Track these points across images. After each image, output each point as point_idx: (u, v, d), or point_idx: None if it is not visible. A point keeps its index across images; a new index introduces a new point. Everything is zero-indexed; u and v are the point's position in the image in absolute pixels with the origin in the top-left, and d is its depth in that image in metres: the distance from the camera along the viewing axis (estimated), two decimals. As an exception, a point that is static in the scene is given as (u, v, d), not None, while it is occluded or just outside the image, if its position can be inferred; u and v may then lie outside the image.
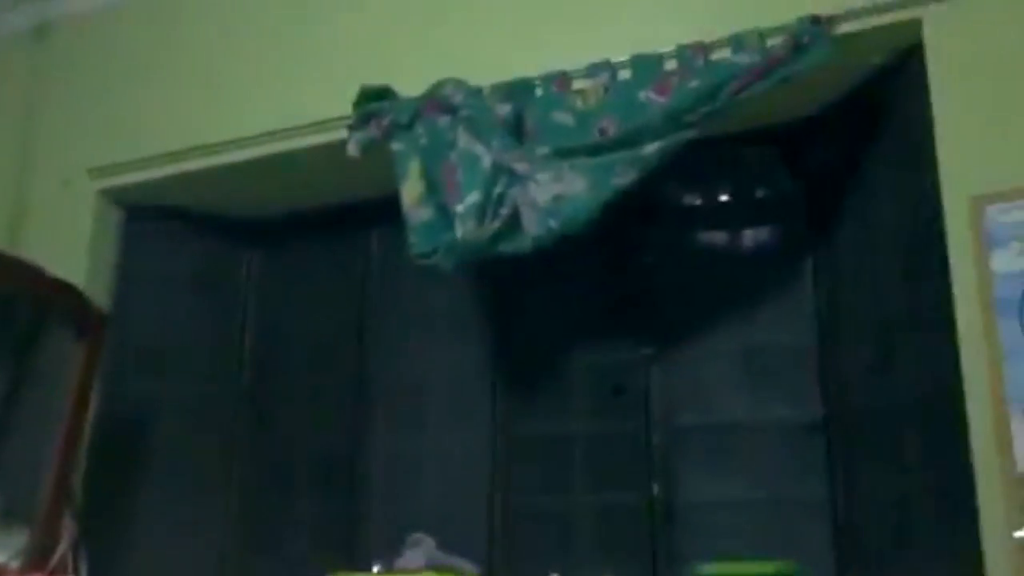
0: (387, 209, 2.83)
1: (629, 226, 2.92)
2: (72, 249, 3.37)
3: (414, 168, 2.79)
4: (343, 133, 2.92)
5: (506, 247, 2.64)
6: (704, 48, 2.60)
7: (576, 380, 2.97)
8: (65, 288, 3.10)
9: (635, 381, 2.89)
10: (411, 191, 2.76)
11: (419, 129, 2.82)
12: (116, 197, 3.44)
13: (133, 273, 3.45)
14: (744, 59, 2.53)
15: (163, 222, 3.52)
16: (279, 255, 3.55)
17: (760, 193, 2.99)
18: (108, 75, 3.53)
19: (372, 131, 2.90)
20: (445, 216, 2.70)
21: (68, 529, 2.94)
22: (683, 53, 2.61)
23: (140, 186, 3.36)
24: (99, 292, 3.31)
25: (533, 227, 2.61)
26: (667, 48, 2.62)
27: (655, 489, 2.79)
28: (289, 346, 3.46)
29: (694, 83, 2.54)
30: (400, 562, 2.78)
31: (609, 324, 2.97)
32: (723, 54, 2.57)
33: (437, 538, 2.78)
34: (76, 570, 2.86)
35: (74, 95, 3.57)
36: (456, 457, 3.03)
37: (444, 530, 2.83)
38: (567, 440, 2.92)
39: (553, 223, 2.58)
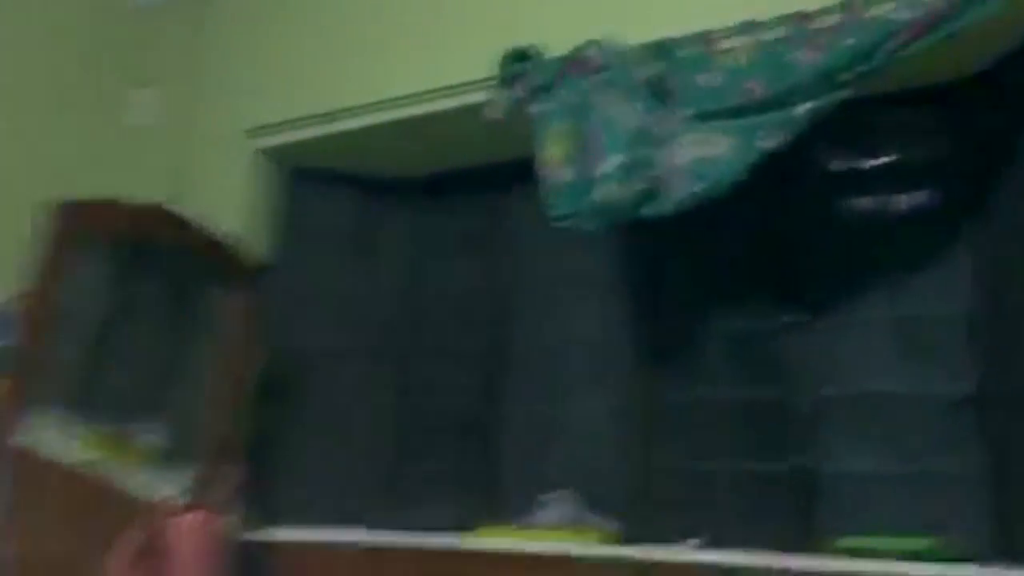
0: (531, 171, 2.84)
1: (775, 190, 2.84)
2: (232, 206, 3.53)
3: (556, 130, 2.78)
4: (487, 95, 2.94)
5: (648, 210, 2.61)
6: (860, 4, 2.48)
7: (719, 346, 2.92)
8: (226, 244, 3.27)
9: (780, 349, 2.82)
10: (552, 153, 2.76)
11: (562, 91, 2.82)
12: (273, 156, 3.58)
13: (289, 230, 3.59)
14: (904, 15, 2.40)
15: (317, 181, 3.64)
16: (425, 215, 3.62)
17: (916, 155, 2.84)
18: (266, 36, 3.67)
19: (516, 92, 2.91)
20: (586, 179, 2.69)
21: (230, 470, 3.12)
22: (837, 10, 2.50)
23: (295, 146, 3.48)
24: (257, 248, 3.47)
25: (676, 190, 2.58)
26: (817, 6, 2.52)
27: (799, 459, 2.73)
28: (433, 304, 3.53)
29: (850, 41, 2.43)
30: (538, 518, 2.84)
31: (754, 290, 2.91)
32: (881, 10, 2.45)
33: (575, 498, 2.82)
34: (236, 509, 3.04)
35: (234, 56, 3.73)
36: (596, 420, 3.04)
37: (582, 490, 2.87)
38: (709, 406, 2.89)
39: (696, 186, 2.54)
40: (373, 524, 3.08)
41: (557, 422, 3.11)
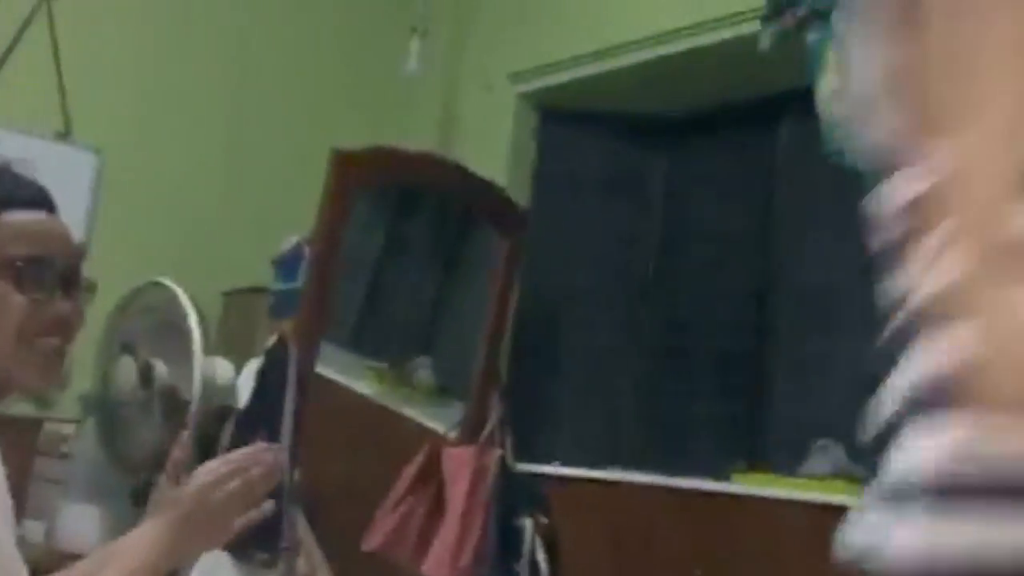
0: (798, 103, 2.71)
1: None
2: (494, 151, 3.62)
3: (832, 60, 2.63)
4: (754, 26, 2.83)
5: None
6: None
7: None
8: (490, 188, 3.36)
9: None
10: (828, 84, 2.62)
11: (838, 18, 2.65)
12: (533, 100, 3.63)
13: (549, 172, 3.64)
14: None
15: (576, 124, 3.66)
16: (685, 153, 3.55)
17: None
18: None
19: (786, 22, 2.77)
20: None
21: (496, 406, 3.24)
22: None
23: (554, 89, 3.51)
24: (519, 191, 3.54)
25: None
26: None
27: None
28: (694, 243, 3.48)
29: None
30: (805, 468, 2.75)
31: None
32: None
33: (845, 446, 2.71)
34: (503, 444, 3.15)
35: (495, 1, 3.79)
36: (867, 362, 2.90)
37: (853, 438, 2.75)
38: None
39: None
40: (632, 463, 3.11)
41: (827, 366, 2.98)
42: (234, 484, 1.23)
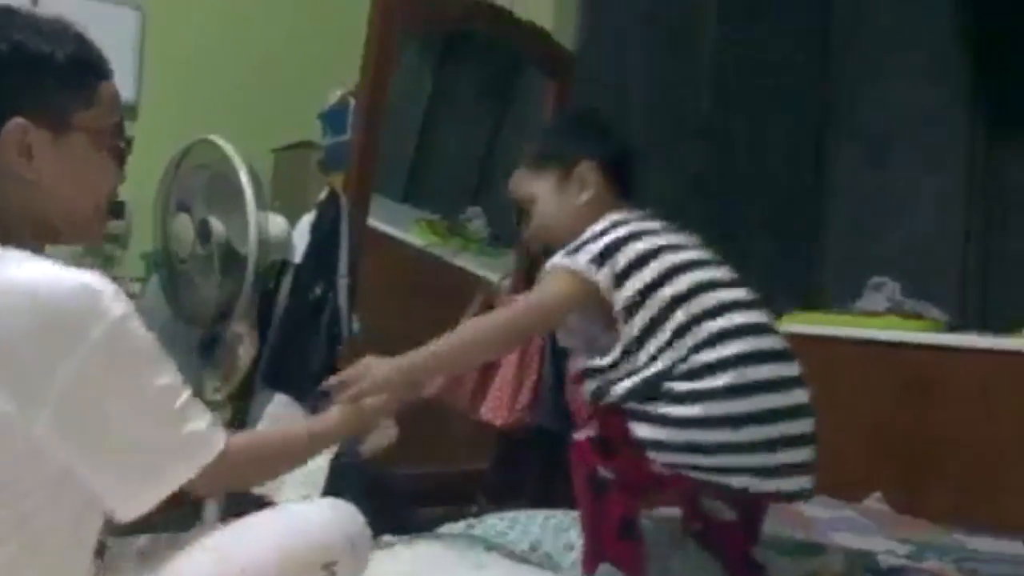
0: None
1: None
2: (542, -6, 3.51)
3: None
4: None
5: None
6: None
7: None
8: (537, 32, 3.27)
9: None
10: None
11: None
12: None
13: (595, 17, 3.53)
14: None
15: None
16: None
17: None
18: None
19: None
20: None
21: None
22: None
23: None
24: (565, 35, 3.44)
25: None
26: None
27: None
28: (749, 81, 3.38)
29: None
30: (860, 304, 2.75)
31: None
32: None
33: (901, 282, 2.69)
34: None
35: None
36: (927, 199, 2.84)
37: (909, 275, 2.73)
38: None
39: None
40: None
41: (884, 203, 2.93)
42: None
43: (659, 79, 3.51)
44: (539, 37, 3.28)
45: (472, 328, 1.81)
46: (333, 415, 1.45)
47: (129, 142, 1.25)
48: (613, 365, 1.69)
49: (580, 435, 1.73)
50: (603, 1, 3.53)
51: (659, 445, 1.59)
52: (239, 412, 2.67)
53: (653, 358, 1.64)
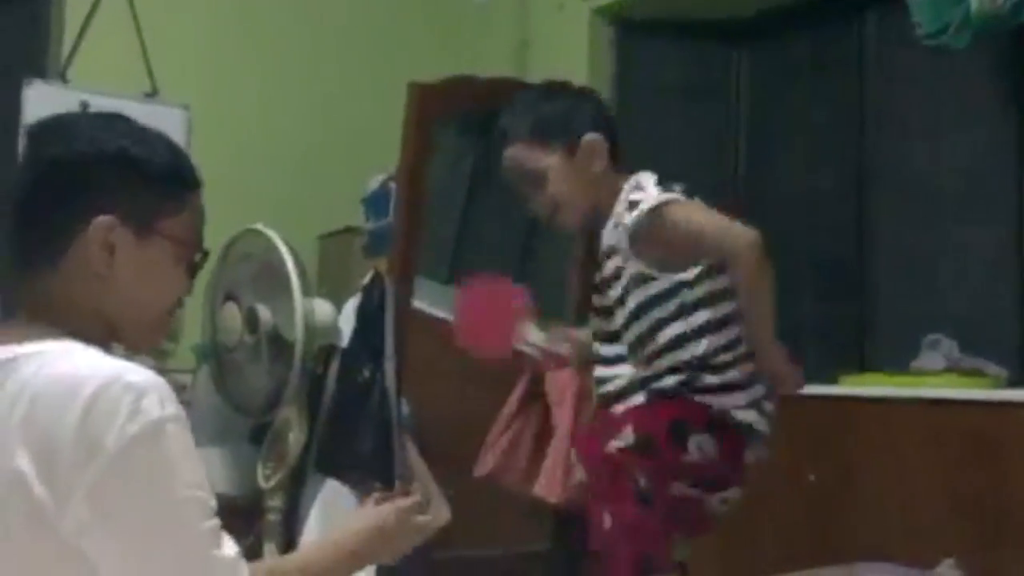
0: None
1: None
2: (572, 69, 3.56)
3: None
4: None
5: (1034, 15, 2.30)
6: None
7: None
8: (571, 108, 3.31)
9: None
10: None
11: None
12: (607, 14, 3.54)
13: (628, 85, 3.57)
14: None
15: (652, 33, 3.57)
16: (767, 52, 3.44)
17: None
18: None
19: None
20: (957, -12, 2.41)
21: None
22: None
23: (627, 1, 3.42)
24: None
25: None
26: None
27: None
28: (783, 145, 3.38)
29: None
30: (917, 363, 2.69)
31: None
32: None
33: (959, 340, 2.63)
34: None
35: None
36: (976, 253, 2.80)
37: (965, 332, 2.67)
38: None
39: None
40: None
41: (932, 260, 2.89)
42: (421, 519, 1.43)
43: (695, 142, 3.53)
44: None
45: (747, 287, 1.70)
46: (364, 533, 1.37)
47: (206, 254, 1.26)
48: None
49: (610, 447, 1.71)
50: (636, 66, 3.57)
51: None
52: (291, 499, 2.66)
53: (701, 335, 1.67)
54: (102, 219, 1.12)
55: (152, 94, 3.34)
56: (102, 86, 3.17)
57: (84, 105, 3.02)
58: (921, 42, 2.49)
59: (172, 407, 1.04)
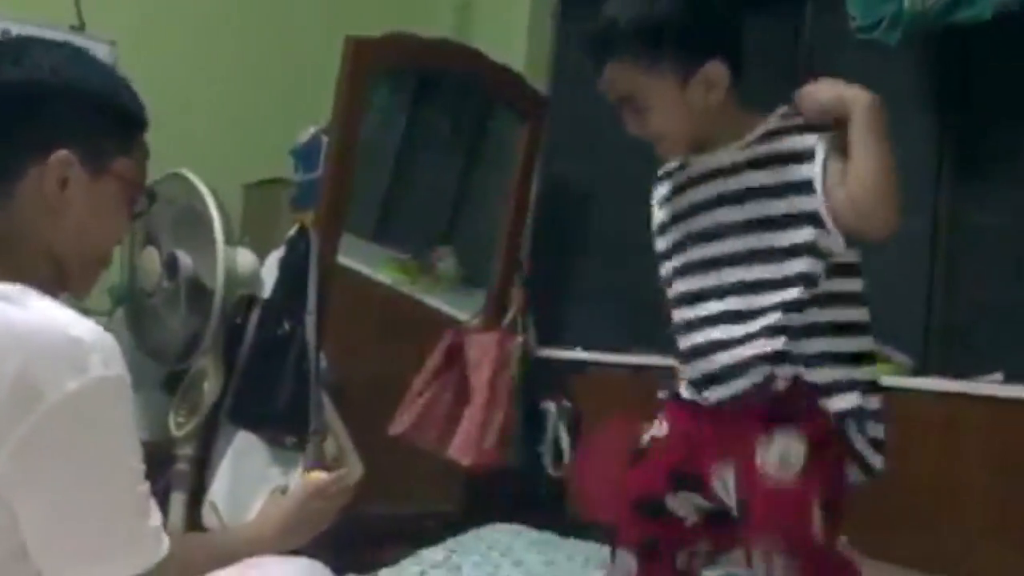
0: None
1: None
2: (512, 37, 3.55)
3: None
4: None
5: (962, 16, 2.36)
6: None
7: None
8: (509, 74, 3.31)
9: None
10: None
11: None
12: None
13: (568, 59, 3.58)
14: None
15: (596, 6, 3.57)
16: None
17: None
18: None
19: None
20: (893, -16, 2.46)
21: (517, 294, 3.27)
22: None
23: (573, -30, 3.42)
24: (538, 79, 3.48)
25: (997, -9, 2.31)
26: None
27: None
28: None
29: None
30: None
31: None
32: None
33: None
34: (525, 330, 3.19)
35: None
36: (893, 245, 2.87)
37: (875, 321, 2.75)
38: (1021, 230, 2.65)
39: (1023, -15, 2.26)
40: (650, 348, 3.13)
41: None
42: (325, 503, 1.41)
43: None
44: (511, 79, 3.32)
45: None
46: (273, 520, 1.36)
47: (152, 197, 1.25)
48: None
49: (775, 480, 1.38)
50: (574, 44, 3.57)
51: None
52: (202, 448, 2.64)
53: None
54: (61, 153, 1.09)
55: (78, 28, 3.24)
56: (30, 18, 3.06)
57: (6, 33, 2.92)
58: (855, 35, 2.54)
59: (117, 368, 1.01)
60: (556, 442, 2.96)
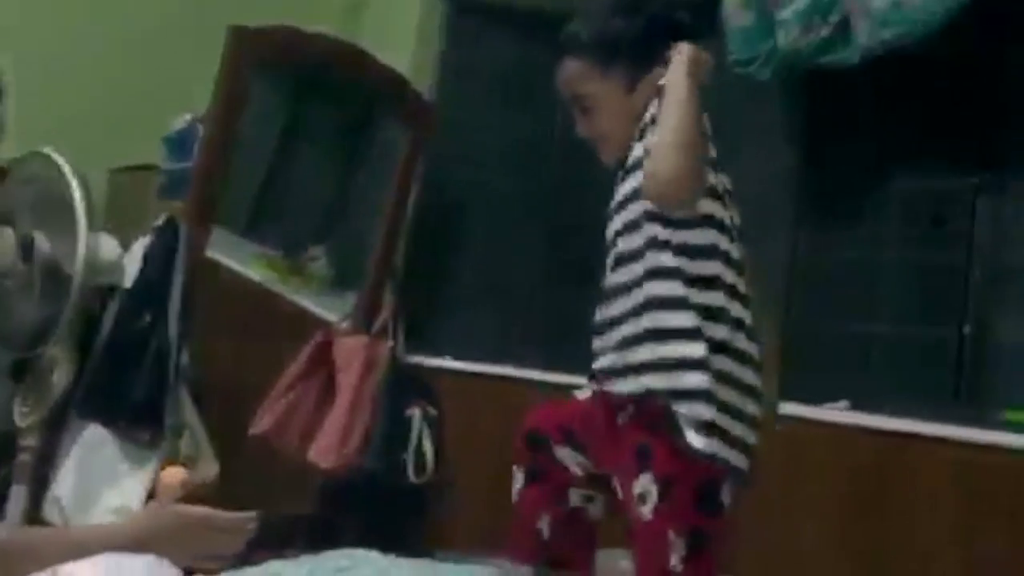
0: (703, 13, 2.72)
1: (977, 42, 2.61)
2: (400, 41, 3.54)
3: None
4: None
5: (831, 58, 2.49)
6: None
7: (891, 207, 2.79)
8: (395, 78, 3.30)
9: (957, 212, 2.67)
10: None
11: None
12: (443, -11, 3.54)
13: (456, 67, 3.59)
14: None
15: (485, 18, 3.59)
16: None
17: None
18: None
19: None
20: (767, 22, 2.57)
21: (390, 299, 3.25)
22: None
23: (464, -20, 3.44)
24: (424, 84, 3.48)
25: (863, 37, 2.43)
26: None
27: (967, 327, 2.62)
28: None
29: None
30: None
31: (933, 149, 2.73)
32: None
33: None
34: (395, 335, 3.17)
35: None
36: (751, 270, 2.98)
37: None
38: (874, 268, 2.79)
39: (887, 33, 2.39)
40: (519, 360, 3.17)
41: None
42: (215, 536, 1.32)
43: (513, 136, 3.58)
44: (396, 83, 3.31)
45: None
46: (126, 529, 1.28)
47: (2, 172, 1.18)
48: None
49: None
50: (464, 51, 3.59)
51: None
52: (48, 441, 2.53)
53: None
54: None
55: (-60, -8, 3.07)
56: None
57: None
58: (731, 69, 2.64)
59: None
60: (420, 450, 2.95)
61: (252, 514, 1.35)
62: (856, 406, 2.55)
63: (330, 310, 3.27)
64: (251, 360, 2.98)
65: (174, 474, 1.42)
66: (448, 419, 3.04)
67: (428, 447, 2.98)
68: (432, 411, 3.04)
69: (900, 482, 2.38)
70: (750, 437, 1.54)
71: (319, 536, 2.72)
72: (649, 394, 1.51)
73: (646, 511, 1.49)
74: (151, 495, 2.36)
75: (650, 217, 1.55)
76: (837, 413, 2.53)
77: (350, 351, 2.99)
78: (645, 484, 1.49)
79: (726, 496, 1.52)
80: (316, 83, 3.67)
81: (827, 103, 2.87)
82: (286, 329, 3.12)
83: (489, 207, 3.56)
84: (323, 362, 2.99)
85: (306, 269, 3.44)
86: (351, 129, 3.80)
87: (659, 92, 1.55)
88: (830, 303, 2.86)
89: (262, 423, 2.88)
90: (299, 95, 3.79)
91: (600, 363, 1.61)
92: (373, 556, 1.91)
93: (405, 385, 3.04)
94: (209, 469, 2.49)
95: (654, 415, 1.50)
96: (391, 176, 3.33)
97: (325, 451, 2.89)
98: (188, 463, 2.40)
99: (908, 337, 2.71)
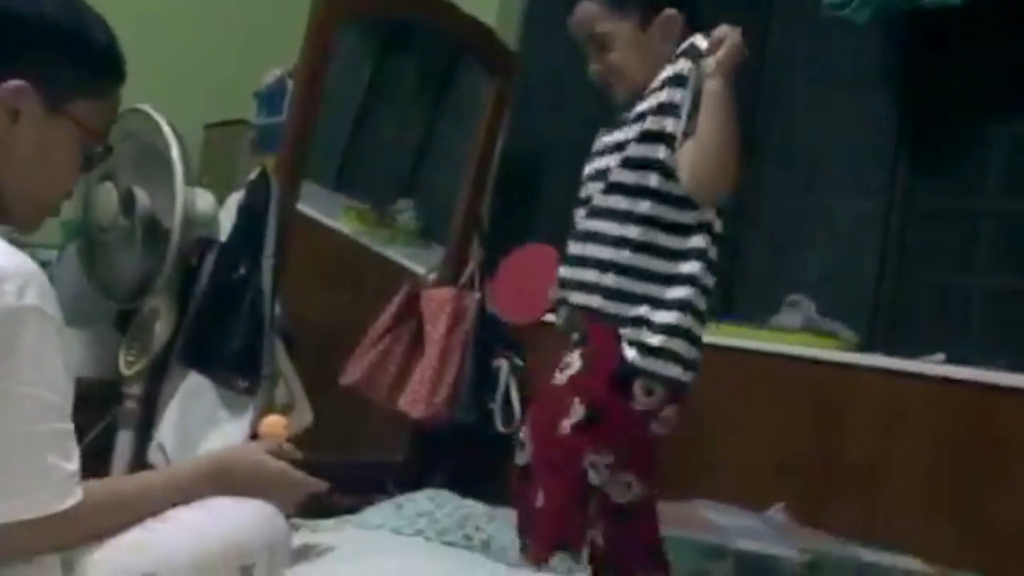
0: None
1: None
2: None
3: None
4: None
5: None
6: None
7: (993, 154, 2.69)
8: (480, 28, 3.28)
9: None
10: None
11: None
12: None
13: (541, 17, 3.55)
14: None
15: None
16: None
17: None
18: None
19: None
20: (865, -38, 2.48)
21: (476, 250, 3.27)
22: None
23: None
24: (509, 34, 3.46)
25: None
26: None
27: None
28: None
29: None
30: (776, 320, 2.82)
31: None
32: None
33: (817, 302, 2.76)
34: (481, 287, 3.20)
35: None
36: (847, 223, 2.92)
37: (826, 295, 2.80)
38: (975, 216, 2.70)
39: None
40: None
41: (806, 224, 3.01)
42: (285, 492, 1.32)
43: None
44: (482, 34, 3.29)
45: None
46: (204, 467, 1.26)
47: (108, 150, 1.21)
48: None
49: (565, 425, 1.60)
50: (545, 4, 3.55)
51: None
52: (151, 388, 2.62)
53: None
54: (14, 83, 1.06)
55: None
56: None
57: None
58: (824, 13, 2.55)
59: (33, 298, 0.98)
60: (507, 400, 2.98)
61: (325, 484, 1.38)
62: (952, 359, 2.49)
63: (417, 262, 3.31)
64: (341, 311, 3.04)
65: (277, 421, 1.46)
66: (534, 370, 3.06)
67: (515, 397, 3.01)
68: (518, 362, 3.06)
69: (995, 436, 2.32)
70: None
71: (408, 483, 2.78)
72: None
73: (561, 376, 1.64)
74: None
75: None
76: (933, 366, 2.47)
77: (438, 303, 3.03)
78: (572, 359, 1.64)
79: (641, 392, 1.59)
80: (402, 35, 3.68)
81: (928, 46, 2.77)
82: (375, 281, 3.17)
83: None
84: (411, 314, 3.03)
85: (394, 221, 3.48)
86: (437, 81, 3.80)
87: (666, 30, 1.66)
88: (928, 253, 2.78)
89: (352, 373, 2.95)
90: (385, 47, 3.80)
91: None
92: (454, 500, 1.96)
93: (492, 336, 3.06)
94: (304, 417, 2.56)
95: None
96: (477, 128, 3.33)
97: (415, 401, 2.94)
98: (284, 410, 2.46)
99: (1007, 289, 2.62)
